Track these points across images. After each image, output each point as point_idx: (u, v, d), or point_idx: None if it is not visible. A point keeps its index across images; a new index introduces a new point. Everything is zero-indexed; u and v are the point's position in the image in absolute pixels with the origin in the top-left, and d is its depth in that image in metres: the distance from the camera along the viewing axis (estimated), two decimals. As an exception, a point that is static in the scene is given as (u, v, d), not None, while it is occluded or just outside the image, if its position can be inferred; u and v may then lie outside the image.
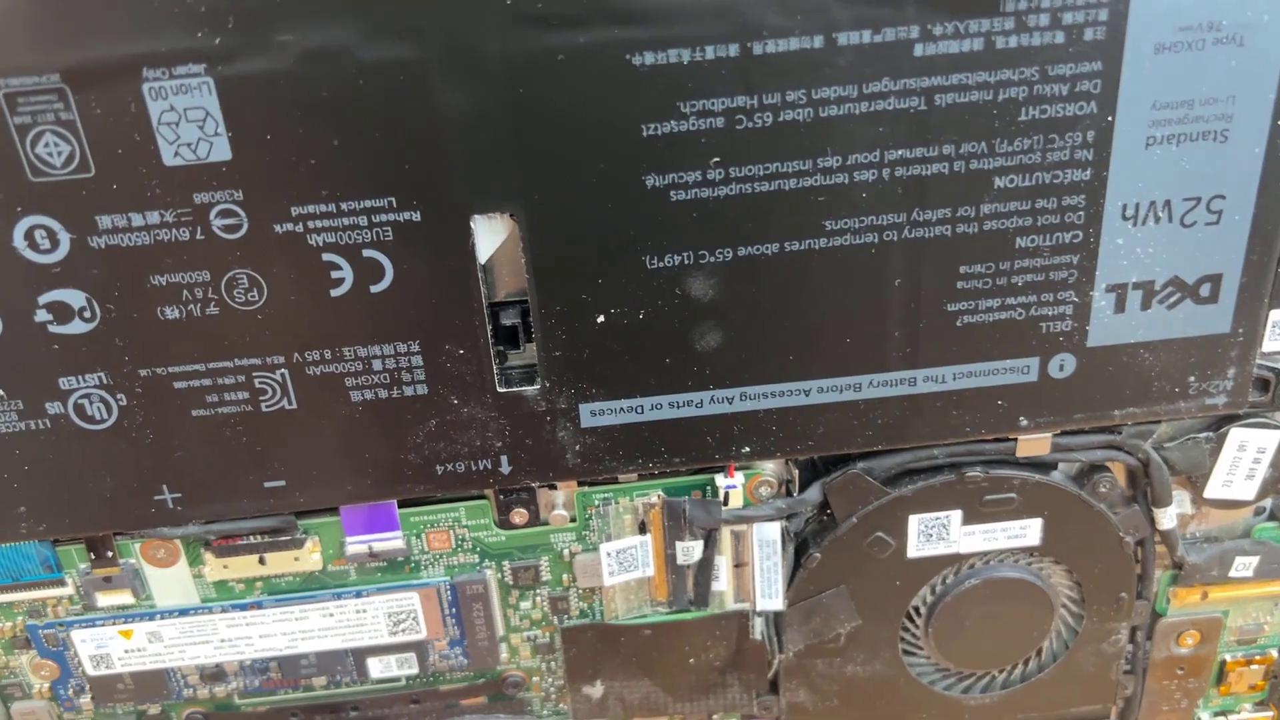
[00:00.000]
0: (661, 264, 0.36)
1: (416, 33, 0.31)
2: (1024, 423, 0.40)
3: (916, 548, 0.45)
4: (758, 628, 0.47)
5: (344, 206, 0.34)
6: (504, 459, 0.39)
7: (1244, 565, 0.47)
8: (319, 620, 0.45)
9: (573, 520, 0.44)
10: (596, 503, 0.44)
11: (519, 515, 0.44)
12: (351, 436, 0.38)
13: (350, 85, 0.32)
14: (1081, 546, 0.45)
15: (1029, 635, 0.48)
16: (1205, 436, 0.43)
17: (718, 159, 0.34)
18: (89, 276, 0.34)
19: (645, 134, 0.33)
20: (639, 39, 0.32)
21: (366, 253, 0.35)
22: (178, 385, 0.37)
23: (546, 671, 0.50)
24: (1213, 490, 0.45)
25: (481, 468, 0.39)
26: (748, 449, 0.40)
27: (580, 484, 0.44)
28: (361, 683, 0.49)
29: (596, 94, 0.33)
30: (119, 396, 0.37)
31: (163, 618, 0.45)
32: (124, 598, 0.44)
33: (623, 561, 0.44)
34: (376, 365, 0.37)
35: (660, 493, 0.44)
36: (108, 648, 0.46)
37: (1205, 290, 0.38)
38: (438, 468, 0.39)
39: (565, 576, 0.46)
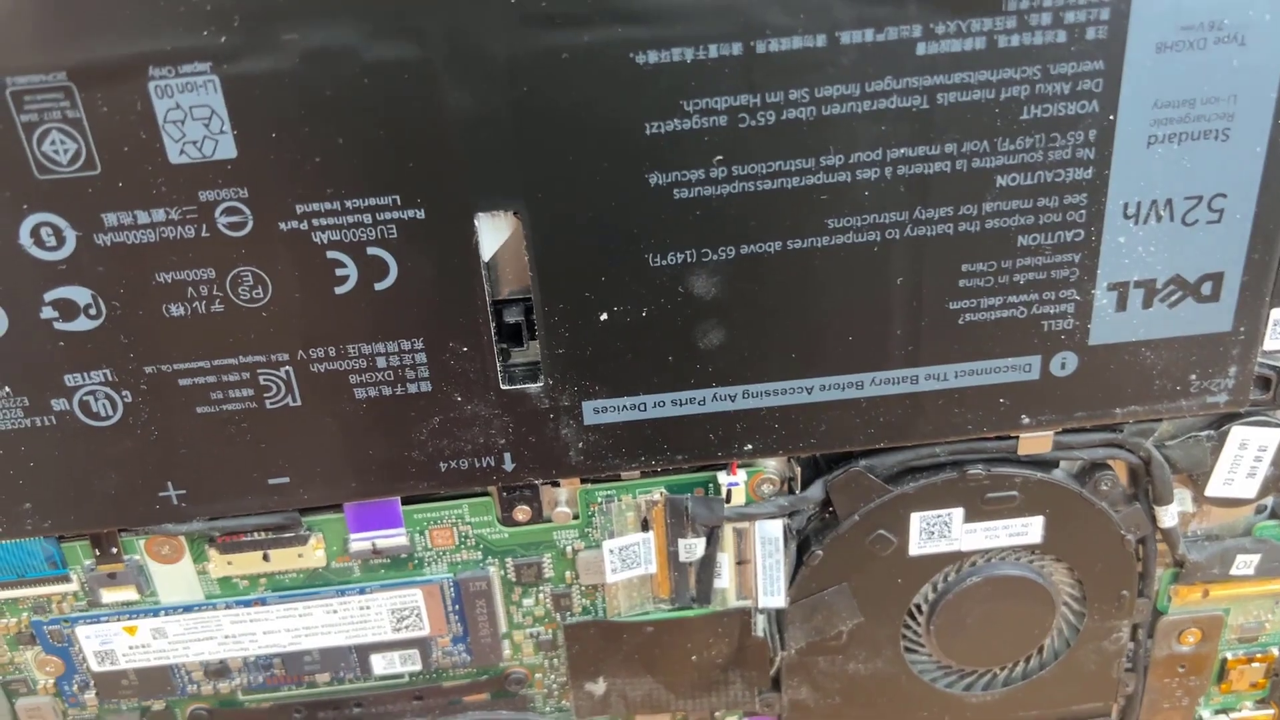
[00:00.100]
0: (664, 262, 0.36)
1: (420, 32, 0.31)
2: (1026, 421, 0.40)
3: (918, 545, 0.45)
4: (760, 625, 0.47)
5: (348, 204, 0.34)
6: (507, 456, 0.39)
7: (1245, 563, 0.47)
8: (323, 617, 0.46)
9: (575, 517, 0.44)
10: (599, 500, 0.44)
11: (522, 512, 0.44)
12: (355, 433, 0.38)
13: (355, 84, 0.32)
14: (1083, 544, 0.45)
15: (1030, 633, 0.48)
16: (1206, 435, 0.43)
17: (721, 157, 0.34)
18: (95, 274, 0.35)
19: (648, 132, 0.33)
20: (642, 38, 0.32)
21: (371, 250, 0.35)
22: (183, 382, 0.37)
23: (549, 668, 0.50)
24: (1214, 488, 0.45)
25: (485, 465, 0.39)
26: (750, 447, 0.40)
27: (583, 481, 0.44)
28: (365, 679, 0.49)
29: (600, 92, 0.33)
30: (124, 393, 0.37)
31: (167, 614, 0.45)
32: (128, 594, 0.44)
33: (625, 559, 0.44)
34: (380, 363, 0.37)
35: (663, 490, 0.44)
36: (112, 644, 0.46)
37: (1206, 289, 0.38)
38: (441, 465, 0.39)
39: (568, 573, 0.46)
